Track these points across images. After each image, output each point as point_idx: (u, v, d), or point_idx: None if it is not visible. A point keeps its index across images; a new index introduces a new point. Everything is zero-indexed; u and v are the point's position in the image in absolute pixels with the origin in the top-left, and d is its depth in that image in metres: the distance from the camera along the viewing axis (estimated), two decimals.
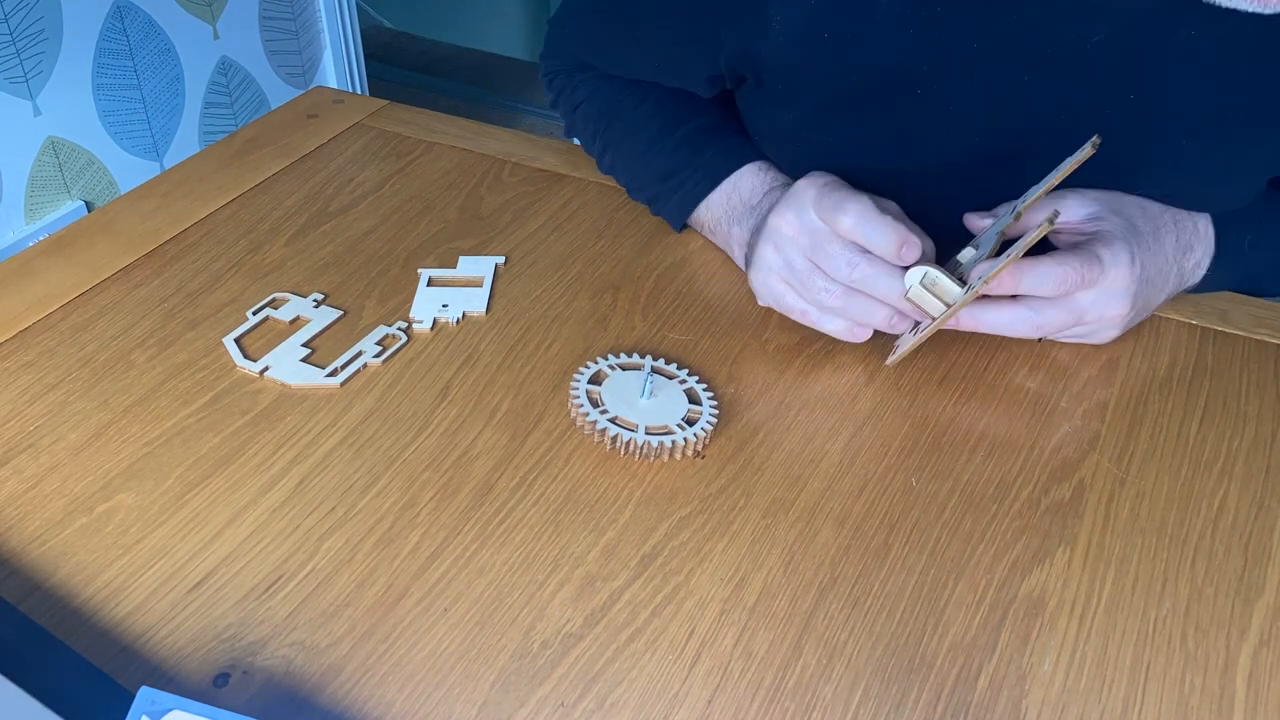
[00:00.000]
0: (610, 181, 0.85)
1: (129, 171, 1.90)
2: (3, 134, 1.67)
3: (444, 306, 0.72)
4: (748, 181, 0.74)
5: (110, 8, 1.78)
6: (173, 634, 0.51)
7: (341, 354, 0.68)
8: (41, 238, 0.89)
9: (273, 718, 0.48)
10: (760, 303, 0.69)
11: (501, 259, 0.77)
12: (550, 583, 0.54)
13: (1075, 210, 0.66)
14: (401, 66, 2.84)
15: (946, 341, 0.69)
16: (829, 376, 0.66)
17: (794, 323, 0.70)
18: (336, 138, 0.92)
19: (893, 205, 0.66)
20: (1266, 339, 0.69)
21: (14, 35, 1.64)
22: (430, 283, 0.74)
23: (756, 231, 0.69)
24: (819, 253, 0.64)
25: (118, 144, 1.87)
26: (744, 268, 0.72)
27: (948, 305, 0.63)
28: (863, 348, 0.68)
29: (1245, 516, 0.57)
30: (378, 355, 0.68)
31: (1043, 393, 0.65)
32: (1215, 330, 0.70)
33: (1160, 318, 0.71)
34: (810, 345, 0.69)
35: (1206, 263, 0.70)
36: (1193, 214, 0.69)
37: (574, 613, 0.52)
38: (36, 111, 1.72)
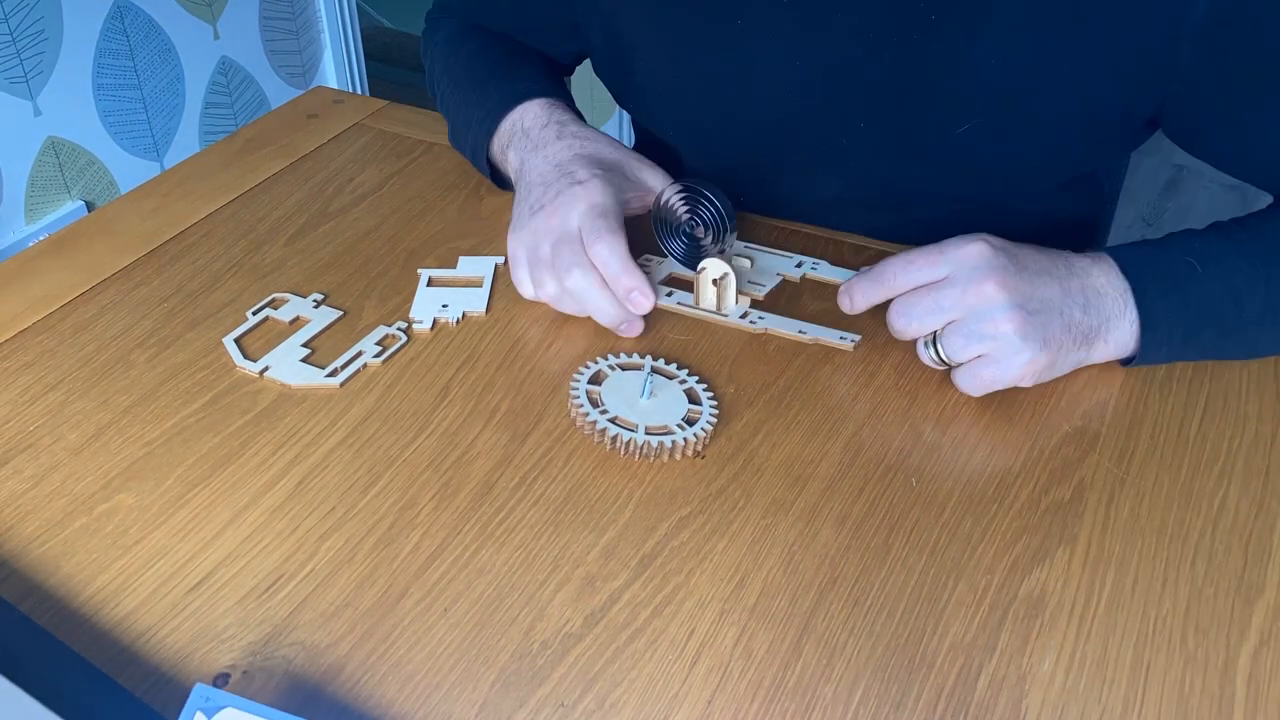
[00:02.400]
0: None
1: (129, 171, 1.90)
2: (3, 134, 1.67)
3: (444, 306, 0.72)
4: (533, 113, 0.78)
5: (110, 8, 1.78)
6: (173, 634, 0.51)
7: (341, 354, 0.68)
8: (41, 238, 0.89)
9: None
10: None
11: (501, 259, 0.77)
12: (550, 583, 0.54)
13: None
14: (401, 66, 2.83)
15: None
16: (829, 376, 0.66)
17: None
18: (336, 138, 0.92)
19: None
20: None
21: (14, 35, 1.64)
22: (430, 283, 0.74)
23: (530, 192, 0.72)
24: (559, 249, 0.67)
25: (118, 144, 1.87)
26: (512, 191, 0.77)
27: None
28: (864, 350, 0.68)
29: (1245, 516, 0.57)
30: (377, 355, 0.68)
31: (1043, 393, 0.65)
32: None
33: None
34: (810, 345, 0.69)
35: (1127, 292, 0.62)
36: (1093, 254, 0.64)
37: (574, 613, 0.52)
38: (36, 111, 1.72)
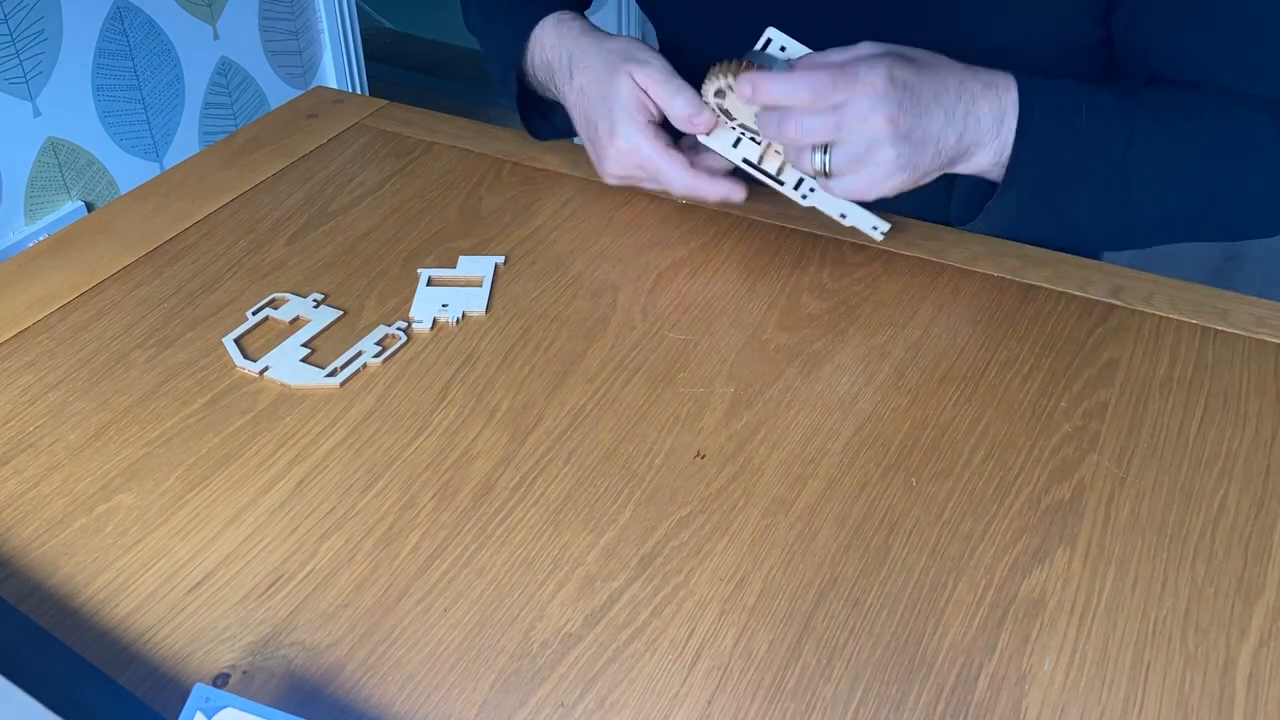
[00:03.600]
0: (611, 181, 0.85)
1: (129, 171, 1.90)
2: (3, 134, 1.67)
3: (444, 306, 0.72)
4: (549, 40, 0.81)
5: (110, 8, 1.78)
6: (173, 634, 0.51)
7: (341, 354, 0.68)
8: (41, 238, 0.89)
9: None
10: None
11: (501, 259, 0.77)
12: (550, 583, 0.54)
13: (863, 50, 0.68)
14: (401, 66, 2.84)
15: (946, 341, 0.69)
16: (829, 376, 0.66)
17: (794, 322, 0.70)
18: (336, 138, 0.92)
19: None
20: (1266, 339, 0.69)
21: (14, 35, 1.64)
22: (430, 282, 0.74)
23: (589, 126, 0.78)
24: (639, 171, 0.75)
25: (118, 144, 1.87)
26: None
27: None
28: (864, 350, 0.68)
29: (1245, 516, 0.57)
30: (377, 355, 0.68)
31: (1043, 393, 0.65)
32: (1215, 330, 0.70)
33: (1160, 318, 0.71)
34: (810, 345, 0.69)
35: (1013, 120, 0.67)
36: (996, 72, 0.68)
37: (574, 613, 0.52)
38: (36, 112, 1.72)
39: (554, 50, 0.80)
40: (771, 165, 0.74)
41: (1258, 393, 0.65)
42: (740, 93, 0.68)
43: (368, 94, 1.41)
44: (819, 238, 0.79)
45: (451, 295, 0.73)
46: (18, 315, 0.72)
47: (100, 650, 0.51)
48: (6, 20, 1.63)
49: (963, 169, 0.70)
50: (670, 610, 0.52)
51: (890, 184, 0.67)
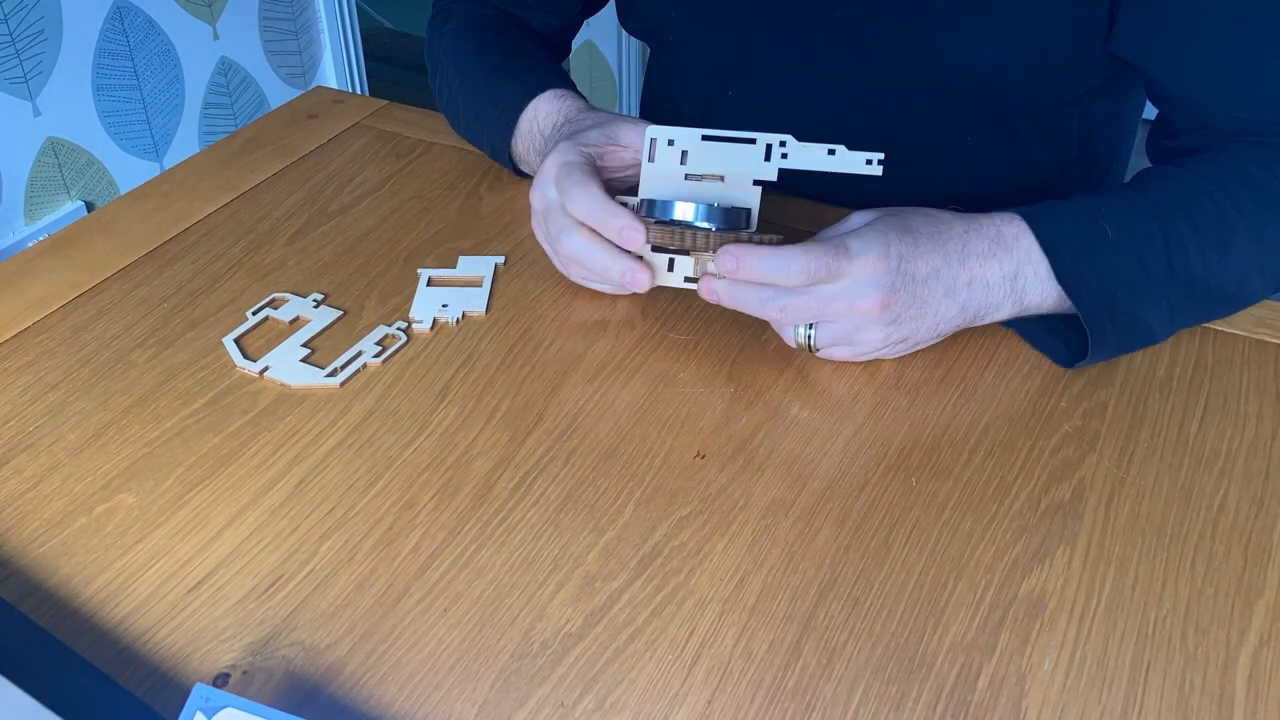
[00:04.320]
0: None
1: (129, 171, 1.90)
2: (3, 134, 1.67)
3: (444, 306, 0.72)
4: (544, 110, 0.79)
5: (110, 8, 1.78)
6: (173, 634, 0.51)
7: (341, 354, 0.68)
8: (41, 238, 0.89)
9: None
10: None
11: (501, 259, 0.77)
12: (550, 583, 0.54)
13: (855, 222, 0.65)
14: (401, 66, 2.84)
15: (946, 342, 0.69)
16: (829, 376, 0.66)
17: None
18: (336, 138, 0.92)
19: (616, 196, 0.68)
20: (1266, 339, 0.69)
21: (14, 35, 1.64)
22: (430, 283, 0.74)
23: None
24: (550, 222, 0.68)
25: (118, 144, 1.87)
26: None
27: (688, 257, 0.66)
28: None
29: (1245, 516, 0.57)
30: (377, 355, 0.68)
31: (1043, 393, 0.65)
32: (1215, 330, 0.70)
33: None
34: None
35: (1033, 269, 0.63)
36: (997, 217, 0.64)
37: (574, 613, 0.52)
38: (36, 111, 1.72)
39: (547, 120, 0.79)
40: (710, 264, 0.65)
41: (1258, 393, 0.65)
42: (722, 266, 0.61)
43: (368, 94, 1.41)
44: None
45: (451, 295, 0.73)
46: (18, 315, 0.72)
47: (100, 650, 0.51)
48: (6, 20, 1.63)
49: (983, 321, 0.66)
50: (670, 610, 0.52)
51: (878, 355, 0.65)
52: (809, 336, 0.64)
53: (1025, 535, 0.56)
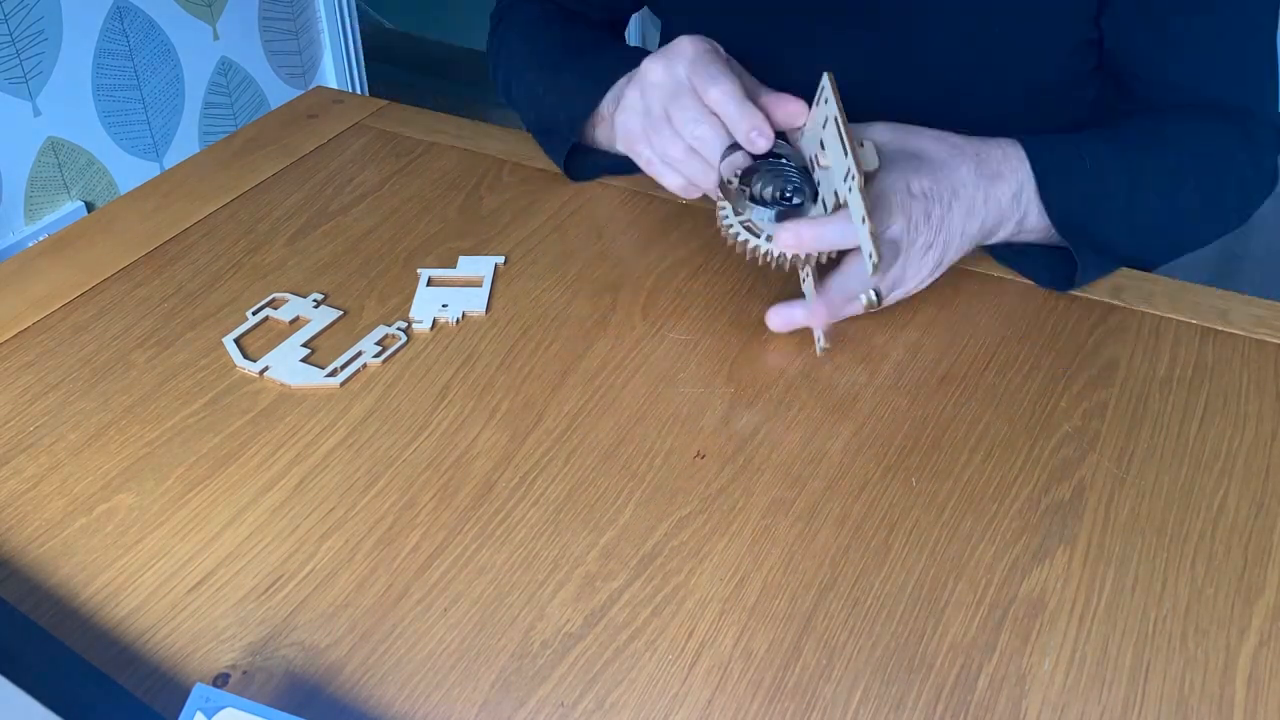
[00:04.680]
0: (611, 181, 0.85)
1: (129, 171, 1.90)
2: (3, 134, 1.68)
3: (444, 306, 0.72)
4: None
5: (110, 8, 1.78)
6: (173, 634, 0.51)
7: (341, 354, 0.68)
8: (41, 238, 0.89)
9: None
10: (619, 145, 0.74)
11: (501, 259, 0.77)
12: (550, 583, 0.54)
13: (876, 135, 0.69)
14: (401, 66, 2.84)
15: (946, 341, 0.69)
16: (829, 376, 0.66)
17: None
18: (336, 138, 0.92)
19: (764, 89, 0.69)
20: (1266, 339, 0.69)
21: (14, 35, 1.64)
22: (430, 283, 0.74)
23: (629, 79, 0.73)
24: (675, 103, 0.67)
25: (118, 144, 1.87)
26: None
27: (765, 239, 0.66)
28: (864, 350, 0.68)
29: (1245, 516, 0.57)
30: (377, 355, 0.68)
31: (1043, 393, 0.65)
32: (1215, 330, 0.70)
33: (1160, 318, 0.71)
34: (810, 345, 0.69)
35: (1031, 189, 0.69)
36: (1000, 142, 0.70)
37: (574, 613, 0.52)
38: (36, 111, 1.72)
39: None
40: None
41: (1258, 393, 0.65)
42: (782, 243, 0.64)
43: (368, 94, 1.41)
44: None
45: (451, 295, 0.73)
46: (18, 315, 0.72)
47: (100, 650, 0.51)
48: (6, 20, 1.63)
49: (987, 243, 0.72)
50: (670, 610, 0.52)
51: (926, 282, 0.69)
52: (872, 297, 0.66)
53: (1025, 535, 0.56)
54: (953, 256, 0.69)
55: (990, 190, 0.68)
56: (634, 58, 0.77)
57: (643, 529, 0.56)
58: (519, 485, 0.59)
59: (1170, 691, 0.49)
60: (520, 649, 0.51)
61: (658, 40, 0.95)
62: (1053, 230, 0.71)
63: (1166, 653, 0.51)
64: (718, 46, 0.70)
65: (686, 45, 0.68)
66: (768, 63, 0.84)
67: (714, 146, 0.66)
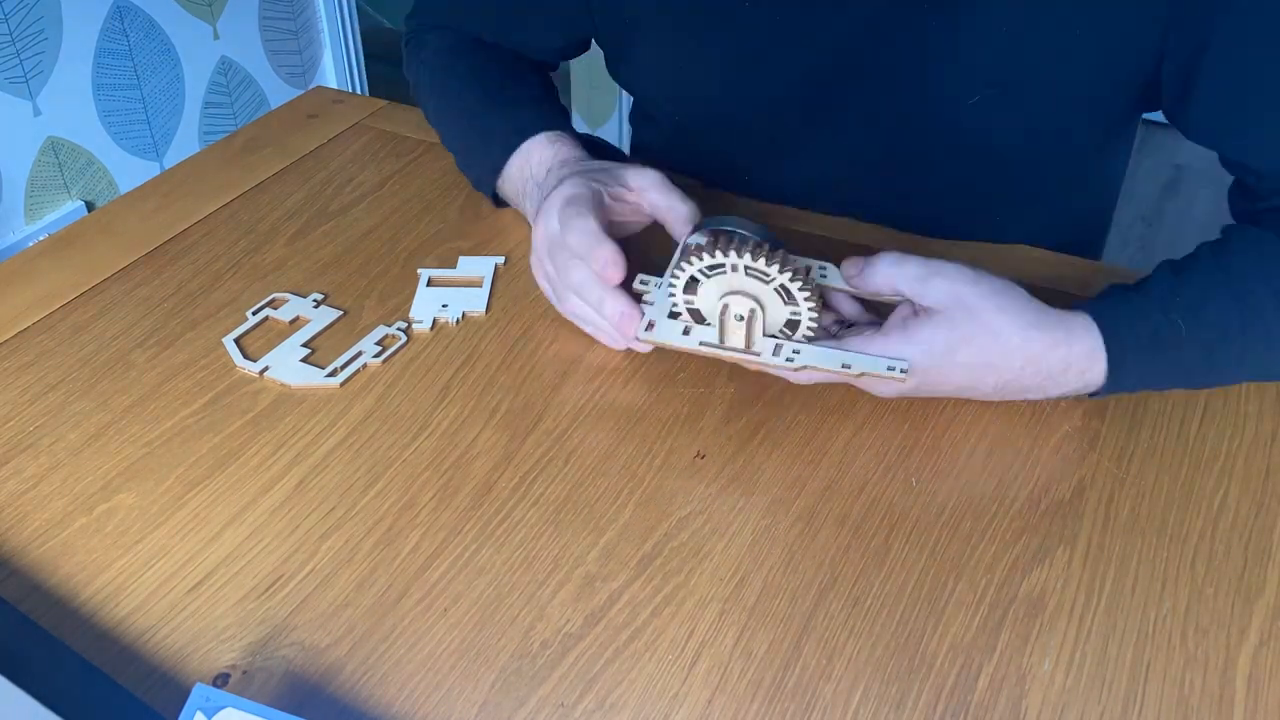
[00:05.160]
0: None
1: (129, 171, 1.90)
2: (3, 134, 1.67)
3: (444, 306, 0.72)
4: (536, 155, 0.76)
5: (110, 8, 1.78)
6: (173, 634, 0.51)
7: (341, 354, 0.68)
8: (41, 238, 0.89)
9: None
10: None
11: (501, 259, 0.77)
12: (550, 583, 0.54)
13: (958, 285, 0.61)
14: (401, 66, 2.83)
15: None
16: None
17: None
18: (336, 138, 0.92)
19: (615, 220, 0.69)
20: None
21: (14, 35, 1.64)
22: (430, 282, 0.74)
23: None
24: (555, 257, 0.66)
25: (118, 144, 1.87)
26: None
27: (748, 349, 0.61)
28: None
29: (1245, 516, 0.57)
30: (377, 355, 0.68)
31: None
32: None
33: None
34: None
35: (1099, 368, 0.60)
36: (1073, 327, 0.60)
37: (574, 613, 0.52)
38: (36, 111, 1.72)
39: (539, 165, 0.76)
40: (736, 340, 0.61)
41: (1258, 393, 0.65)
42: (847, 274, 0.62)
43: (368, 94, 1.41)
44: (819, 238, 0.79)
45: (451, 295, 0.73)
46: (18, 315, 0.72)
47: (100, 650, 0.51)
48: (6, 20, 1.63)
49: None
50: (670, 610, 0.52)
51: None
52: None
53: (1025, 535, 0.56)
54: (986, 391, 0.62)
55: (1047, 387, 0.61)
56: (522, 125, 0.76)
57: (643, 529, 0.56)
58: (519, 485, 0.59)
59: (1170, 691, 0.49)
60: (520, 649, 0.51)
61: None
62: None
63: (1166, 653, 0.51)
64: (588, 189, 0.67)
65: (554, 198, 0.67)
66: (753, 158, 0.81)
67: (587, 289, 0.64)
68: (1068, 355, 0.60)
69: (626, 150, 0.93)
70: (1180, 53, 0.66)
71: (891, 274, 0.61)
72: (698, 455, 0.61)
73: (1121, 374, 0.60)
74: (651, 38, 0.79)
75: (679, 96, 0.82)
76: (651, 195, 0.70)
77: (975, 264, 0.61)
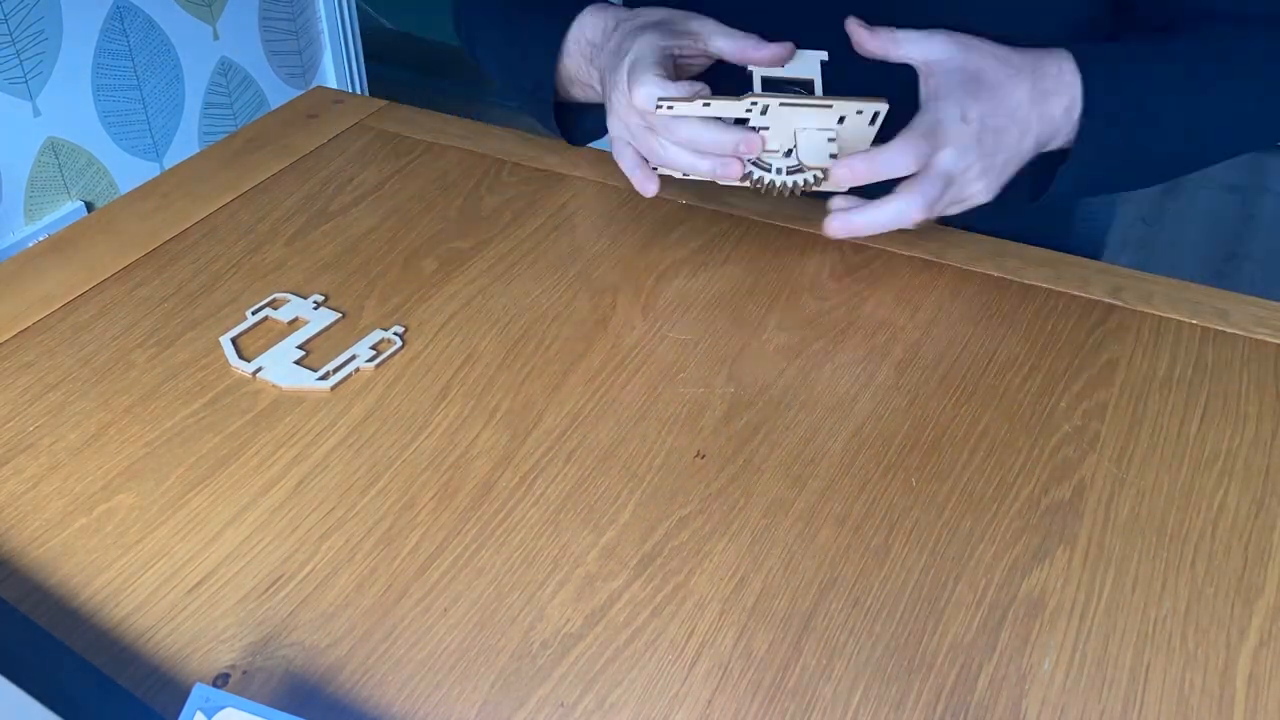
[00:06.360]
0: (610, 181, 0.85)
1: (129, 171, 1.90)
2: (3, 134, 1.68)
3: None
4: (589, 26, 0.79)
5: (110, 8, 1.79)
6: (173, 634, 0.51)
7: (336, 356, 0.68)
8: (41, 238, 0.89)
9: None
10: (616, 157, 0.76)
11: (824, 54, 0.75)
12: (550, 583, 0.54)
13: (937, 50, 0.70)
14: (401, 66, 2.84)
15: (946, 341, 0.69)
16: (829, 376, 0.66)
17: (794, 322, 0.70)
18: (336, 138, 0.92)
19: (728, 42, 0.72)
20: (1266, 339, 0.69)
21: (14, 35, 1.65)
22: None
23: (608, 84, 0.75)
24: (630, 124, 0.71)
25: (118, 144, 1.87)
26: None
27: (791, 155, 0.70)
28: (864, 350, 0.68)
29: (1245, 516, 0.57)
30: (371, 360, 0.68)
31: (1043, 393, 0.65)
32: (1215, 330, 0.70)
33: (1160, 318, 0.71)
34: (810, 345, 0.69)
35: (1079, 108, 0.70)
36: (1057, 56, 0.70)
37: (574, 613, 0.52)
38: (36, 112, 1.72)
39: (594, 29, 0.79)
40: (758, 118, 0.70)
41: (1258, 393, 0.65)
42: (838, 180, 0.68)
43: (368, 94, 1.41)
44: (819, 238, 0.79)
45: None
46: (18, 315, 0.72)
47: (100, 650, 0.51)
48: (6, 20, 1.63)
49: (1042, 150, 0.73)
50: (670, 610, 0.52)
51: (985, 198, 0.71)
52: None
53: (1025, 535, 0.56)
54: (1011, 171, 0.70)
55: (1044, 108, 0.69)
56: (571, 6, 0.79)
57: (643, 529, 0.56)
58: (519, 485, 0.59)
59: (1170, 691, 0.49)
60: (520, 649, 0.51)
61: None
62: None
63: (1166, 653, 0.51)
64: (652, 52, 0.71)
65: (630, 58, 0.70)
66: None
67: (701, 136, 0.69)
68: (1059, 66, 0.70)
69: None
70: None
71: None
72: (698, 455, 0.61)
73: (1096, 80, 0.69)
74: None
75: None
76: (717, 40, 0.73)
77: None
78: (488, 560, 0.55)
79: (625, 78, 0.70)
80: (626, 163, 0.74)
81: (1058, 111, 0.70)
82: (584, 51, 0.79)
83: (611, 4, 0.79)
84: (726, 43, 0.72)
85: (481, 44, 0.90)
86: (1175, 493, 0.59)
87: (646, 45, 0.71)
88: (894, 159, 0.66)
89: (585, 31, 0.79)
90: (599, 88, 0.79)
